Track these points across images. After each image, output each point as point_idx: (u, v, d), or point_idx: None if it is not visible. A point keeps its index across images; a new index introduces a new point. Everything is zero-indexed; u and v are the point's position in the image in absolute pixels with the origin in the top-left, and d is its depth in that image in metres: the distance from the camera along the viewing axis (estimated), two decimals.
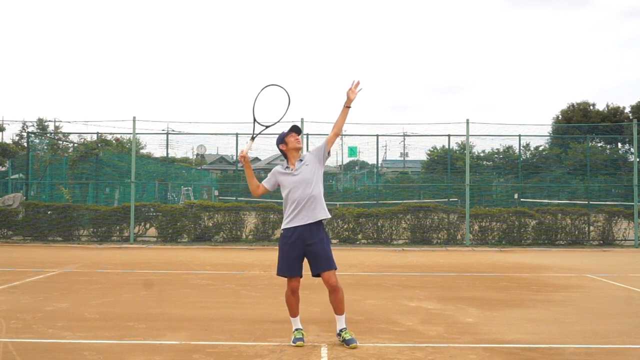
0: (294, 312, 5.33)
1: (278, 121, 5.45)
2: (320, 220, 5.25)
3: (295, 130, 5.39)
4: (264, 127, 5.47)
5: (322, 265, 5.17)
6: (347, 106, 5.35)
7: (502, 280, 9.40)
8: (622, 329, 5.99)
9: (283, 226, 5.29)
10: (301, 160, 5.31)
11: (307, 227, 5.18)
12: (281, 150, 5.41)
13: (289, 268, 5.20)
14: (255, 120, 5.41)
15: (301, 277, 5.27)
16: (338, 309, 5.23)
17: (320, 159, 5.35)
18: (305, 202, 5.18)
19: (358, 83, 5.35)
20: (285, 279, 5.30)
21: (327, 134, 18.75)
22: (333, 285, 5.16)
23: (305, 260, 5.28)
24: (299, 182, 5.21)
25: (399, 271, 10.46)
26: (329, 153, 5.39)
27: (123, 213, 15.76)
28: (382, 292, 8.11)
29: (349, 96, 5.33)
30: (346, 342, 5.18)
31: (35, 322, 6.08)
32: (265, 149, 20.18)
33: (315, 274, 5.24)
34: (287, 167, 5.33)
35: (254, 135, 5.41)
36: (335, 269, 5.23)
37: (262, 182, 5.40)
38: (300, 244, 5.17)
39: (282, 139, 5.37)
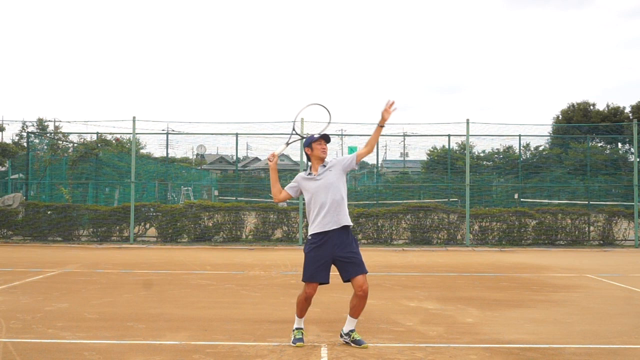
0: (301, 314, 5.30)
1: (312, 135, 5.46)
2: (347, 225, 5.21)
3: (325, 139, 5.37)
4: (300, 138, 5.60)
5: (355, 270, 5.13)
6: (380, 125, 5.34)
7: (502, 280, 9.40)
8: (622, 329, 5.99)
9: (310, 232, 5.24)
10: (324, 166, 5.31)
11: (335, 233, 5.14)
12: (306, 153, 5.40)
13: (315, 274, 5.13)
14: (294, 129, 5.59)
15: (328, 283, 5.23)
16: (358, 312, 5.21)
17: (344, 169, 5.32)
18: (329, 207, 5.15)
19: (392, 103, 5.31)
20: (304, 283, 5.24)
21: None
22: (366, 290, 5.12)
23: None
24: (321, 187, 5.20)
25: (399, 271, 10.45)
26: (356, 166, 5.39)
27: (123, 213, 15.76)
28: (382, 292, 8.10)
29: (383, 116, 5.29)
30: (357, 343, 5.18)
31: (35, 322, 6.07)
32: (266, 149, 20.19)
33: (347, 279, 5.18)
34: (309, 173, 5.34)
35: (289, 142, 5.53)
36: (367, 272, 5.22)
37: (285, 188, 5.39)
38: (329, 250, 5.12)
39: (309, 143, 5.35)
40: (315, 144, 5.32)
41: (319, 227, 5.15)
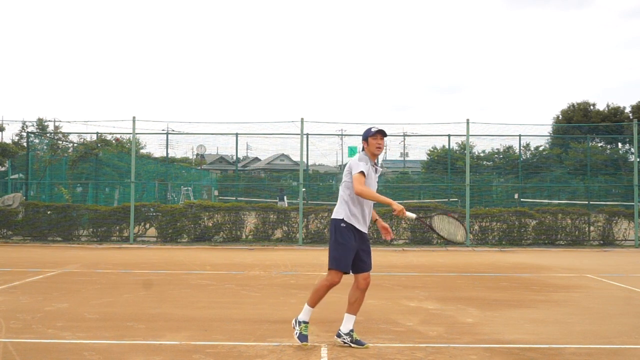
0: (314, 302, 5.20)
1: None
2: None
3: (382, 133, 5.16)
4: (429, 228, 5.39)
5: (369, 263, 5.25)
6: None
7: (502, 280, 9.40)
8: (622, 329, 5.99)
9: (349, 221, 5.12)
10: (380, 167, 5.36)
11: (365, 234, 5.26)
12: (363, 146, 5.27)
13: (349, 263, 5.13)
14: (432, 228, 5.37)
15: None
16: (358, 308, 5.24)
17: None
18: (371, 207, 5.25)
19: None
20: (331, 271, 5.15)
21: (327, 134, 18.69)
22: (369, 283, 5.25)
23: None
24: (374, 185, 5.24)
25: (399, 271, 10.45)
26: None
27: (123, 213, 15.75)
28: (382, 292, 8.10)
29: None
30: (359, 343, 5.17)
31: (35, 322, 6.07)
32: (266, 149, 20.22)
33: (363, 270, 5.20)
34: (374, 163, 5.28)
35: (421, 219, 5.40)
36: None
37: (362, 173, 5.04)
38: (357, 242, 5.19)
39: (366, 137, 5.18)
40: (371, 138, 5.14)
41: (361, 224, 5.18)
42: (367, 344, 5.20)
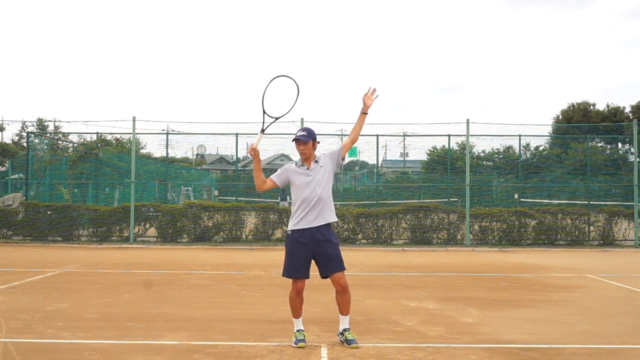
0: (297, 314, 5.32)
1: (286, 113, 5.41)
2: (329, 223, 5.26)
3: (298, 140, 5.23)
4: (274, 119, 5.43)
5: (333, 266, 5.17)
6: (363, 112, 5.32)
7: (502, 280, 9.40)
8: (622, 329, 5.99)
9: (291, 227, 5.26)
10: (317, 162, 5.30)
11: (316, 230, 5.17)
12: None
13: (296, 270, 5.18)
14: (264, 112, 5.39)
15: (308, 278, 5.25)
16: (344, 309, 5.26)
17: (334, 163, 5.35)
18: (314, 204, 5.17)
19: (374, 90, 5.31)
20: (291, 280, 5.30)
21: (327, 134, 18.67)
22: (343, 285, 5.18)
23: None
24: (311, 184, 5.19)
25: (399, 271, 10.45)
26: (343, 159, 5.38)
27: (123, 213, 15.75)
28: (382, 292, 8.10)
29: (365, 102, 5.31)
30: (347, 342, 5.19)
31: (35, 322, 6.07)
32: (266, 148, 20.19)
33: (325, 275, 5.23)
34: (302, 166, 5.29)
35: (264, 128, 5.36)
36: (345, 269, 5.26)
37: (271, 177, 5.35)
38: (310, 246, 5.16)
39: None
40: (296, 145, 5.30)
41: (302, 223, 5.18)
42: (356, 343, 5.16)
